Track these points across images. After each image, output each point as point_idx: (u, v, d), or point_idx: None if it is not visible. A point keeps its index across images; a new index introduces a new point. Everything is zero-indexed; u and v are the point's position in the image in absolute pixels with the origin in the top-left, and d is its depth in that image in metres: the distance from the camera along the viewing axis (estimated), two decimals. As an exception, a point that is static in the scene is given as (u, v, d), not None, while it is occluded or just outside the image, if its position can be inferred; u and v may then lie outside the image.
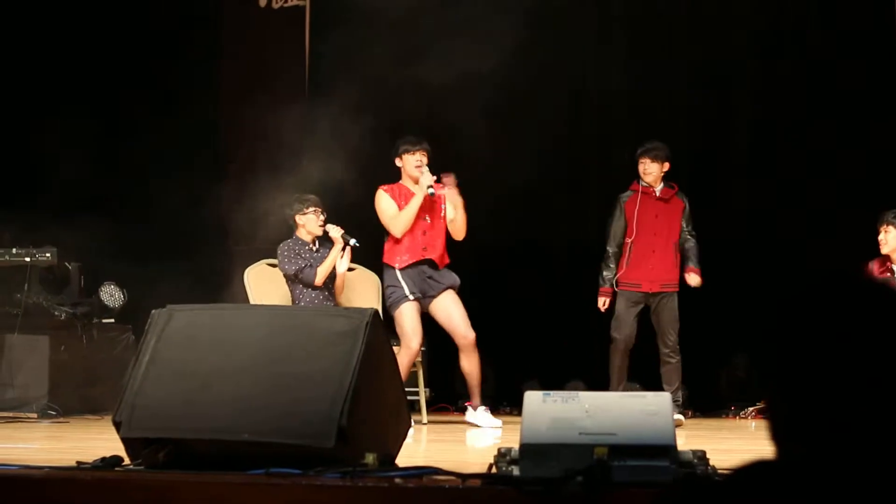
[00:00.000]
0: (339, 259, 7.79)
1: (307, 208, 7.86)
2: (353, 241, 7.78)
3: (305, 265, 7.78)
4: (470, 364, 7.62)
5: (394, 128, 9.19)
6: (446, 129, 9.26)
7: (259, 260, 8.14)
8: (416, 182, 7.67)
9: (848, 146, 8.80)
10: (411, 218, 7.62)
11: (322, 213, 7.87)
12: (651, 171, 7.80)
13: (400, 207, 7.70)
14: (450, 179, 7.69)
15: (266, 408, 3.80)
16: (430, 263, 7.71)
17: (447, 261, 7.79)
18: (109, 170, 8.78)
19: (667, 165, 7.83)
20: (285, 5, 9.55)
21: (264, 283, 7.95)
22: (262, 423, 3.76)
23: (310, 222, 7.85)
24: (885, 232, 7.52)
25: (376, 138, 9.26)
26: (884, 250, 7.53)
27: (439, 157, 9.15)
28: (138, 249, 8.74)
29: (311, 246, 7.90)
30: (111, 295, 8.82)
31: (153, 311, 4.14)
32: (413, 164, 7.66)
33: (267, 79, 9.41)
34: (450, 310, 7.67)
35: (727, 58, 9.13)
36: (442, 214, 7.74)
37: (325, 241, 7.94)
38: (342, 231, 7.79)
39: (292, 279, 7.84)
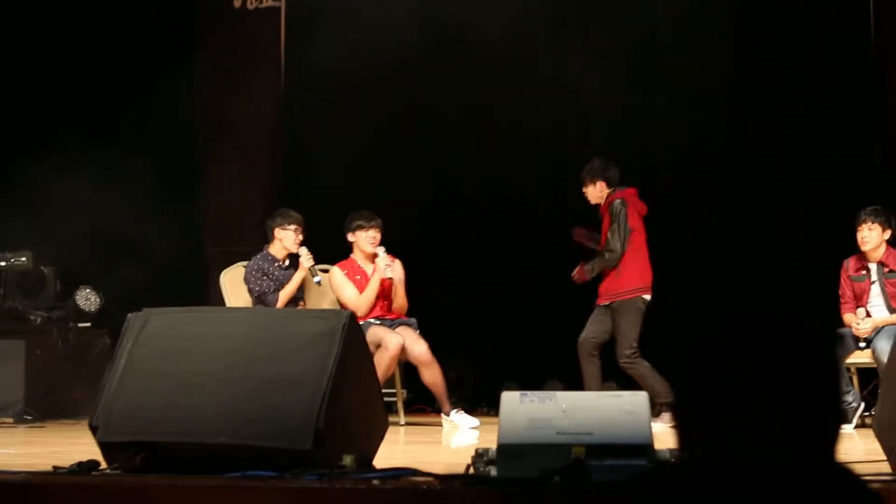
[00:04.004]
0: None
1: (289, 224, 7.88)
2: (317, 279, 7.83)
3: (269, 290, 7.78)
4: (432, 375, 7.71)
5: (371, 129, 9.21)
6: (426, 130, 9.28)
7: (235, 262, 8.12)
8: (369, 258, 7.88)
9: (847, 149, 8.79)
10: (371, 300, 7.85)
11: (301, 233, 7.89)
12: (589, 195, 7.81)
13: (355, 283, 7.89)
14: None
15: (243, 410, 3.80)
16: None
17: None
18: (83, 172, 8.74)
19: (601, 185, 7.75)
20: (260, 6, 9.54)
21: (240, 286, 7.94)
22: (239, 425, 3.76)
23: (287, 238, 7.87)
24: (870, 230, 7.43)
25: (354, 140, 9.30)
26: (865, 248, 7.45)
27: (419, 159, 9.21)
28: (114, 253, 8.70)
29: (280, 263, 7.91)
30: (87, 299, 8.79)
31: (129, 315, 4.14)
32: (367, 240, 7.86)
33: (242, 80, 9.39)
34: (404, 330, 7.79)
35: (724, 58, 9.09)
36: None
37: (296, 259, 7.94)
38: (312, 263, 7.80)
39: (254, 299, 7.86)
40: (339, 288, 7.90)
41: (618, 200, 7.67)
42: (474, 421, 7.62)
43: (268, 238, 7.98)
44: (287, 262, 7.95)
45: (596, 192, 7.77)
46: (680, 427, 1.66)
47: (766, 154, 8.90)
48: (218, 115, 9.47)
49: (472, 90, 9.20)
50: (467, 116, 9.29)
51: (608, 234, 7.68)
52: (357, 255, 7.97)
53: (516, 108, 9.36)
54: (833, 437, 1.63)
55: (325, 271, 8.09)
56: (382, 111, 9.22)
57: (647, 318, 7.66)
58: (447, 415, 7.69)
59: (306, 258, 7.82)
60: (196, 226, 9.41)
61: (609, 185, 7.75)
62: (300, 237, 7.89)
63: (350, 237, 7.95)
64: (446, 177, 9.34)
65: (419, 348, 7.68)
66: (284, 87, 9.50)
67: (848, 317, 7.45)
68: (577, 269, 7.80)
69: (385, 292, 7.92)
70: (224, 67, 9.49)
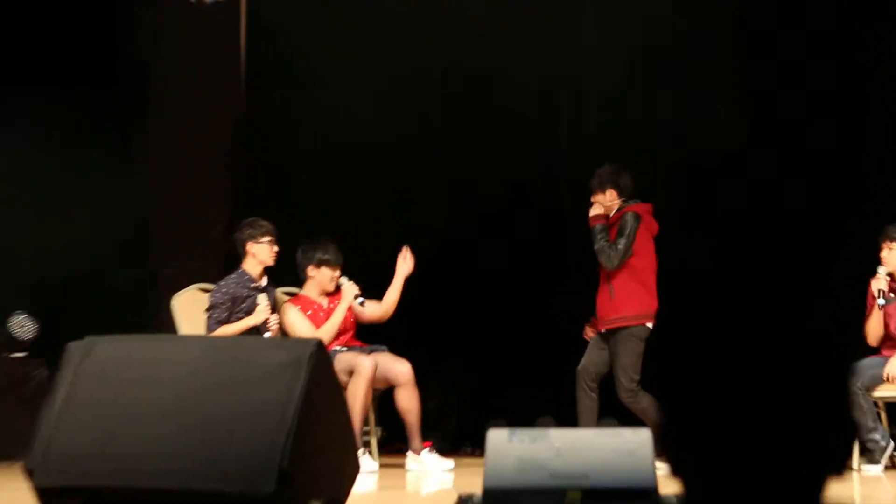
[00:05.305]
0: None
1: (262, 236, 7.82)
2: (273, 324, 7.79)
3: (218, 318, 7.67)
4: (409, 400, 7.67)
5: (337, 132, 9.24)
6: (394, 133, 9.28)
7: (189, 284, 8.06)
8: (325, 293, 7.96)
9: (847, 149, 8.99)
10: (334, 332, 7.84)
11: (275, 244, 7.84)
12: (597, 206, 7.77)
13: (311, 319, 7.89)
14: (406, 256, 7.94)
15: (197, 450, 3.80)
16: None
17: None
18: (20, 183, 8.72)
19: (609, 192, 7.72)
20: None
21: (195, 311, 7.86)
22: (194, 467, 3.76)
23: (262, 251, 7.80)
24: (889, 249, 7.48)
25: (318, 143, 9.31)
26: (889, 268, 7.50)
27: (400, 164, 9.24)
28: (52, 274, 8.67)
29: (258, 283, 7.82)
30: (22, 326, 8.76)
31: (70, 344, 4.13)
32: (329, 278, 7.94)
33: (199, 78, 9.37)
34: (377, 357, 7.75)
35: (723, 57, 9.21)
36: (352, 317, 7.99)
37: (271, 276, 7.90)
38: (269, 312, 7.75)
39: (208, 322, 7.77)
40: (293, 325, 7.84)
41: (630, 213, 7.64)
42: (447, 463, 7.57)
43: (239, 254, 7.91)
44: (264, 281, 7.87)
45: (605, 202, 7.73)
46: (672, 464, 1.66)
47: (776, 151, 9.04)
48: (171, 116, 9.42)
49: (458, 84, 9.28)
50: (453, 117, 9.36)
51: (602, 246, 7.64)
52: (311, 290, 7.99)
53: (509, 119, 9.42)
54: (831, 477, 1.62)
55: (293, 294, 8.08)
56: (357, 110, 9.22)
57: (647, 348, 7.66)
58: (416, 452, 7.64)
59: (264, 304, 7.74)
60: (143, 244, 9.34)
61: (620, 195, 7.71)
62: (275, 248, 7.85)
63: (311, 271, 7.94)
64: (428, 189, 9.36)
65: (401, 367, 7.64)
66: (246, 85, 9.48)
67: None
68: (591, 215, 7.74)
69: (346, 323, 7.92)
70: (179, 65, 9.45)
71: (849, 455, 1.64)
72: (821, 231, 8.72)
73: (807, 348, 1.62)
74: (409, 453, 7.68)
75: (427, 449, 7.64)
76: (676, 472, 1.64)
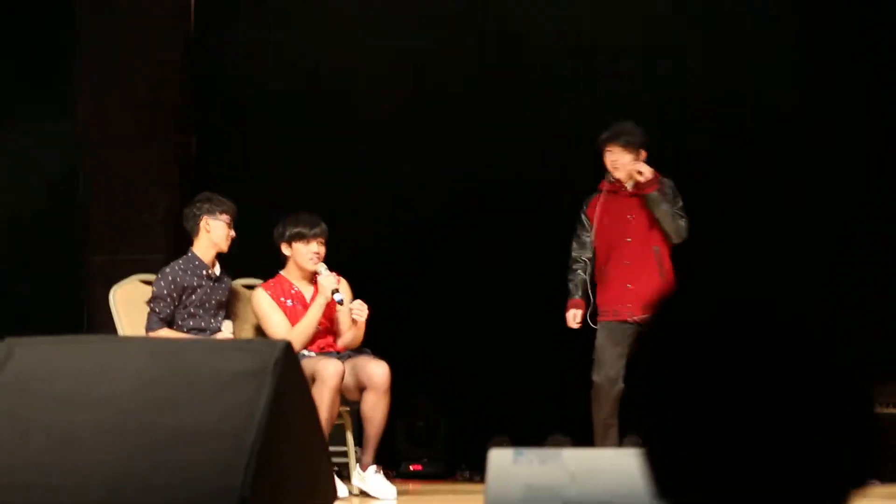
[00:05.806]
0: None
1: (221, 213, 7.47)
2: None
3: (161, 315, 7.32)
4: (375, 406, 7.43)
5: (302, 106, 9.26)
6: (367, 129, 9.34)
7: (130, 275, 7.84)
8: (308, 277, 7.68)
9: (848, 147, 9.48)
10: (309, 334, 7.57)
11: (232, 227, 7.49)
12: (622, 162, 7.59)
13: (283, 308, 7.64)
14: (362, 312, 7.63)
15: (141, 475, 3.65)
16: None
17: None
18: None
19: (643, 154, 7.64)
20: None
21: (137, 308, 7.67)
22: (137, 496, 3.62)
23: (217, 229, 7.53)
24: None
25: (281, 115, 9.39)
26: None
27: (375, 144, 9.31)
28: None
29: (210, 270, 7.48)
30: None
31: (-15, 347, 4.09)
32: (307, 256, 7.60)
33: (139, 38, 9.24)
34: (354, 358, 7.56)
35: (722, 58, 9.56)
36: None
37: (227, 263, 7.60)
38: (231, 330, 7.49)
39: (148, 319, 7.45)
40: (265, 316, 7.54)
41: (668, 180, 7.59)
42: (390, 489, 7.37)
43: (190, 233, 7.58)
44: (217, 270, 7.52)
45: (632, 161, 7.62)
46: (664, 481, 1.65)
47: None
48: (108, 82, 9.28)
49: (454, 78, 9.38)
50: (442, 91, 9.43)
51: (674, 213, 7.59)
52: (291, 273, 7.73)
53: (506, 117, 9.60)
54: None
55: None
56: (324, 85, 9.24)
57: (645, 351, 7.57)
58: (363, 468, 7.43)
59: (227, 326, 7.44)
60: (75, 227, 9.16)
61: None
62: (232, 232, 7.51)
63: (285, 249, 7.71)
64: (411, 170, 9.41)
65: (376, 367, 7.37)
66: (193, 40, 9.43)
67: None
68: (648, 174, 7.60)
69: (332, 321, 7.60)
70: (116, 25, 9.29)
71: (872, 465, 1.60)
72: (821, 231, 9.17)
73: (809, 349, 1.65)
74: (357, 468, 7.52)
75: (374, 467, 7.35)
76: (669, 491, 1.62)
